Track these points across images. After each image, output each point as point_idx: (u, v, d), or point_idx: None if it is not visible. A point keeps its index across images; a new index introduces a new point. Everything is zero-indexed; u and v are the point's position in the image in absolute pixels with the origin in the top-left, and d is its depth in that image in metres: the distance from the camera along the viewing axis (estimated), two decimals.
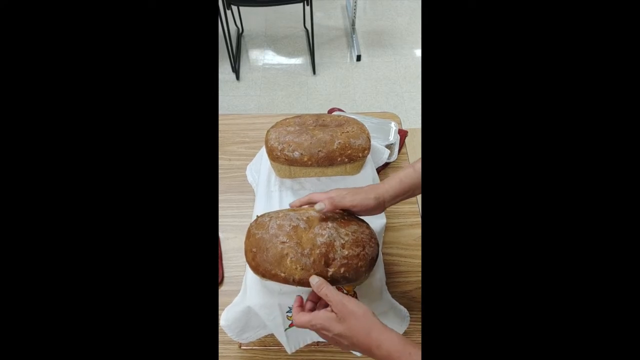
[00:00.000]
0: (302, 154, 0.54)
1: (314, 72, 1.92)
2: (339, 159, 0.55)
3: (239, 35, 2.08)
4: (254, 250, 0.45)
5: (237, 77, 1.90)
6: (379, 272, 0.50)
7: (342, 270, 0.43)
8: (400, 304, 0.57)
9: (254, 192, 0.72)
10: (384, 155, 0.72)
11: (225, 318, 0.50)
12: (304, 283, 0.43)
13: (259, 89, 1.86)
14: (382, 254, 0.60)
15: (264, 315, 0.47)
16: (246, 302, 0.47)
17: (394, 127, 0.74)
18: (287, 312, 0.48)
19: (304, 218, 0.46)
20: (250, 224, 0.48)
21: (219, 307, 0.53)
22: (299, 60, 1.99)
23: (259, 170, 0.63)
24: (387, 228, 0.67)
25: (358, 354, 0.53)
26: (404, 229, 0.70)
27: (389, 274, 0.64)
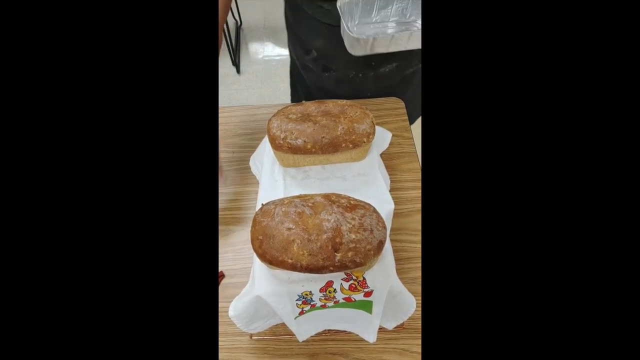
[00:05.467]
0: (305, 141, 0.53)
1: None
2: (344, 145, 0.54)
3: (238, 28, 2.06)
4: (260, 238, 0.44)
5: (238, 71, 1.89)
6: (387, 257, 0.49)
7: (350, 254, 0.42)
8: (410, 290, 0.56)
9: (258, 183, 0.71)
10: (387, 138, 0.70)
11: (234, 308, 0.49)
12: (312, 269, 0.42)
13: (260, 81, 1.84)
14: (391, 240, 0.59)
15: (273, 304, 0.47)
16: (255, 292, 0.47)
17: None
18: (296, 299, 0.47)
19: (310, 204, 0.45)
20: (256, 212, 0.47)
21: (228, 300, 0.52)
22: None
23: (262, 159, 0.62)
24: (395, 214, 0.66)
25: (371, 339, 0.53)
26: (412, 215, 0.69)
27: (398, 260, 0.63)
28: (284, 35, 0.90)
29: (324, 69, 0.83)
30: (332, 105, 0.58)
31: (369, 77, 0.81)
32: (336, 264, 0.42)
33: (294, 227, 0.43)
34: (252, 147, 0.77)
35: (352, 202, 0.46)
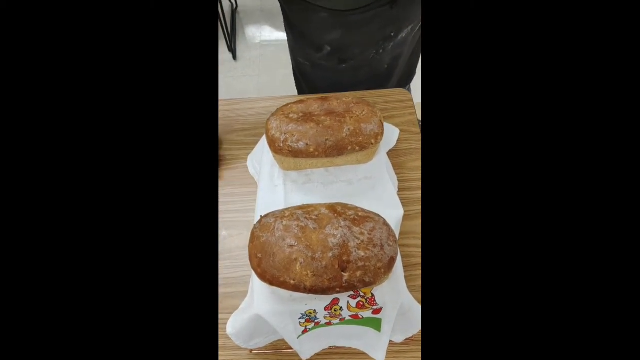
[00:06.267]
0: (307, 144, 0.49)
1: None
2: (349, 148, 0.50)
3: (233, 12, 1.98)
4: (259, 255, 0.40)
5: (234, 57, 1.82)
6: (397, 271, 0.46)
7: (358, 274, 0.39)
8: (418, 299, 0.53)
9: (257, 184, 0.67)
10: (395, 135, 0.66)
11: (232, 326, 0.46)
12: (317, 290, 0.39)
13: (258, 68, 1.78)
14: (399, 246, 0.55)
15: (274, 323, 0.43)
16: (254, 310, 0.43)
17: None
18: (299, 318, 0.44)
19: (313, 217, 0.41)
20: (254, 225, 0.43)
21: (227, 311, 0.49)
22: None
23: (261, 161, 0.58)
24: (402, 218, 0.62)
25: (380, 357, 0.50)
26: (420, 217, 0.65)
27: (405, 267, 0.59)
28: (282, 18, 0.83)
29: (341, 61, 0.76)
30: (336, 103, 0.53)
31: (387, 50, 0.75)
32: (343, 285, 0.38)
33: (296, 243, 0.39)
34: (250, 144, 0.72)
35: (360, 213, 0.42)
